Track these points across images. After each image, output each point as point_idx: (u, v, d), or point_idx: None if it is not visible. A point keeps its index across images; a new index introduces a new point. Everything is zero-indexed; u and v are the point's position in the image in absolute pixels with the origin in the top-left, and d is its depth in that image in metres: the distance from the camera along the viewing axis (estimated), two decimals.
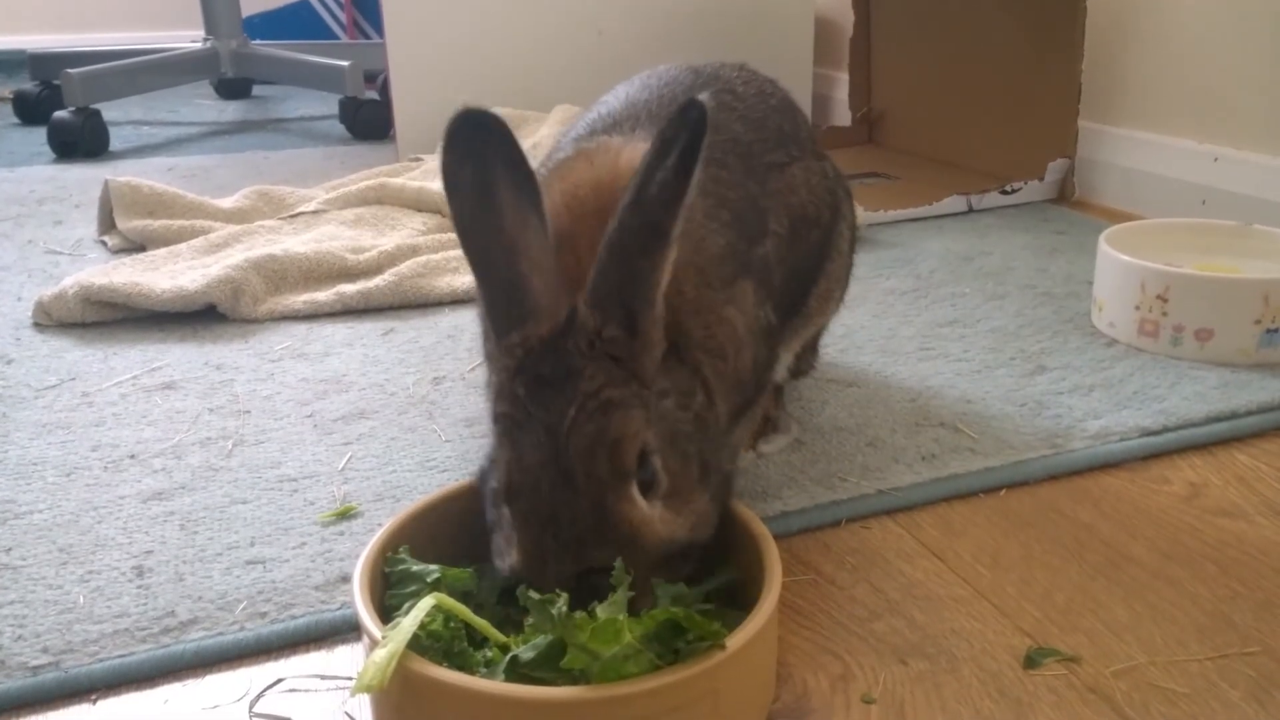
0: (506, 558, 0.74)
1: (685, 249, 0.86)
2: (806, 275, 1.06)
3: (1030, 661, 0.82)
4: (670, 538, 0.74)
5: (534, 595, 0.68)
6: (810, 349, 1.22)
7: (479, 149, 0.75)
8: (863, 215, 1.92)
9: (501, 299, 0.76)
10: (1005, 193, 2.16)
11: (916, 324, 1.53)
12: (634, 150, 0.92)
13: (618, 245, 0.73)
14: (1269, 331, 1.34)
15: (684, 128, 0.72)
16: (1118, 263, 1.43)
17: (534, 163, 0.80)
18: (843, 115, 2.82)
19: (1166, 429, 1.19)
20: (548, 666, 0.69)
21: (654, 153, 0.72)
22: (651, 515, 0.73)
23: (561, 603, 0.67)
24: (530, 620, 0.71)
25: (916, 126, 2.61)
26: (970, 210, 2.13)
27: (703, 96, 0.72)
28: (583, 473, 0.70)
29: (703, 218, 0.90)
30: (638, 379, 0.74)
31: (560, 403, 0.71)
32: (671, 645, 0.67)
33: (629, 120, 0.98)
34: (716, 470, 0.81)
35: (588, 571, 0.70)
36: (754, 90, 1.10)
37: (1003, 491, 1.08)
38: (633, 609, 0.69)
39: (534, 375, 0.73)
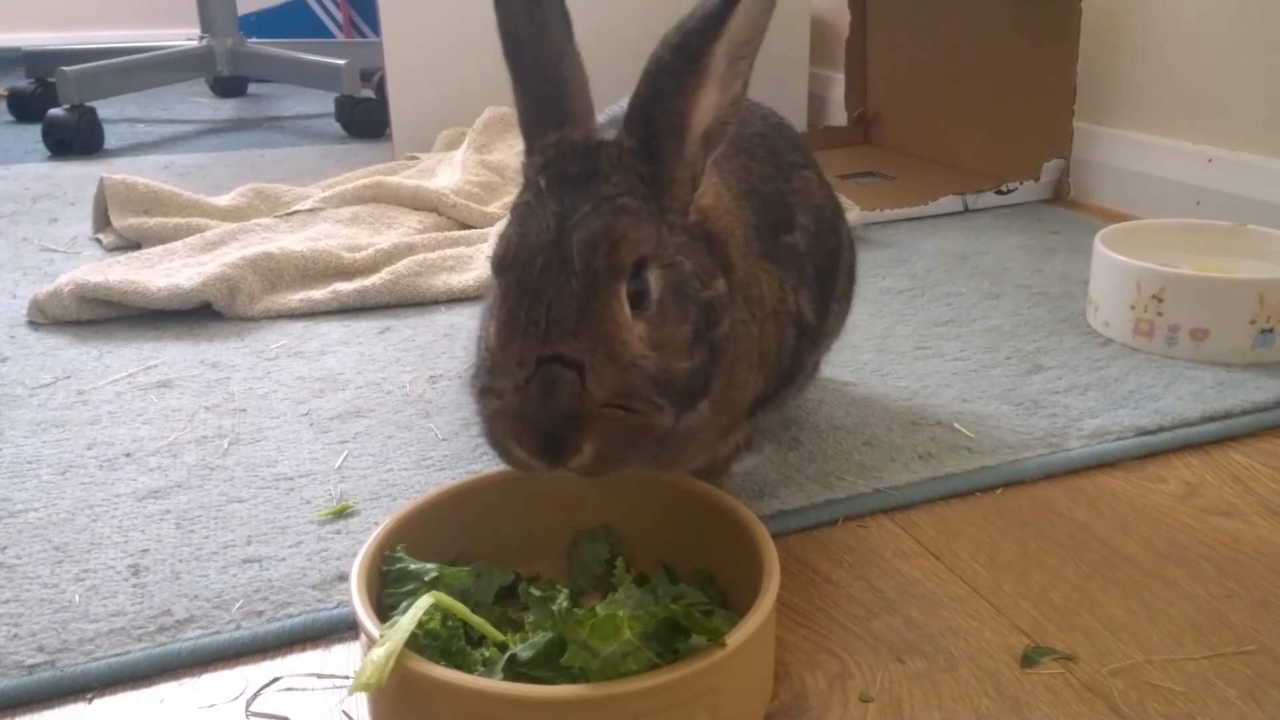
0: (484, 334, 0.75)
1: (732, 208, 0.89)
2: (828, 281, 1.05)
3: (1027, 660, 0.82)
4: (640, 356, 0.72)
5: (535, 592, 0.68)
6: (810, 376, 1.22)
7: None
8: (859, 215, 1.93)
9: (543, 99, 0.78)
10: (1001, 193, 2.16)
11: (913, 323, 1.53)
12: None
13: (653, 64, 0.75)
14: (1264, 331, 1.35)
15: None
16: (1113, 263, 1.44)
17: None
18: (839, 115, 2.83)
19: (1162, 428, 1.19)
20: (546, 665, 0.69)
21: None
22: (630, 323, 0.72)
23: (562, 598, 0.67)
24: (530, 616, 0.71)
25: (912, 126, 2.62)
26: (966, 210, 2.14)
27: None
28: (579, 259, 0.71)
29: (736, 200, 0.91)
30: (657, 205, 0.76)
31: (578, 198, 0.73)
32: (670, 643, 0.67)
33: None
34: (715, 365, 0.79)
35: (553, 359, 0.69)
36: (767, 107, 1.13)
37: (999, 490, 1.09)
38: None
39: (559, 171, 0.75)
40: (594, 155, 0.75)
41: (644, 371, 0.72)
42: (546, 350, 0.69)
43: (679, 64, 0.74)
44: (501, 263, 0.73)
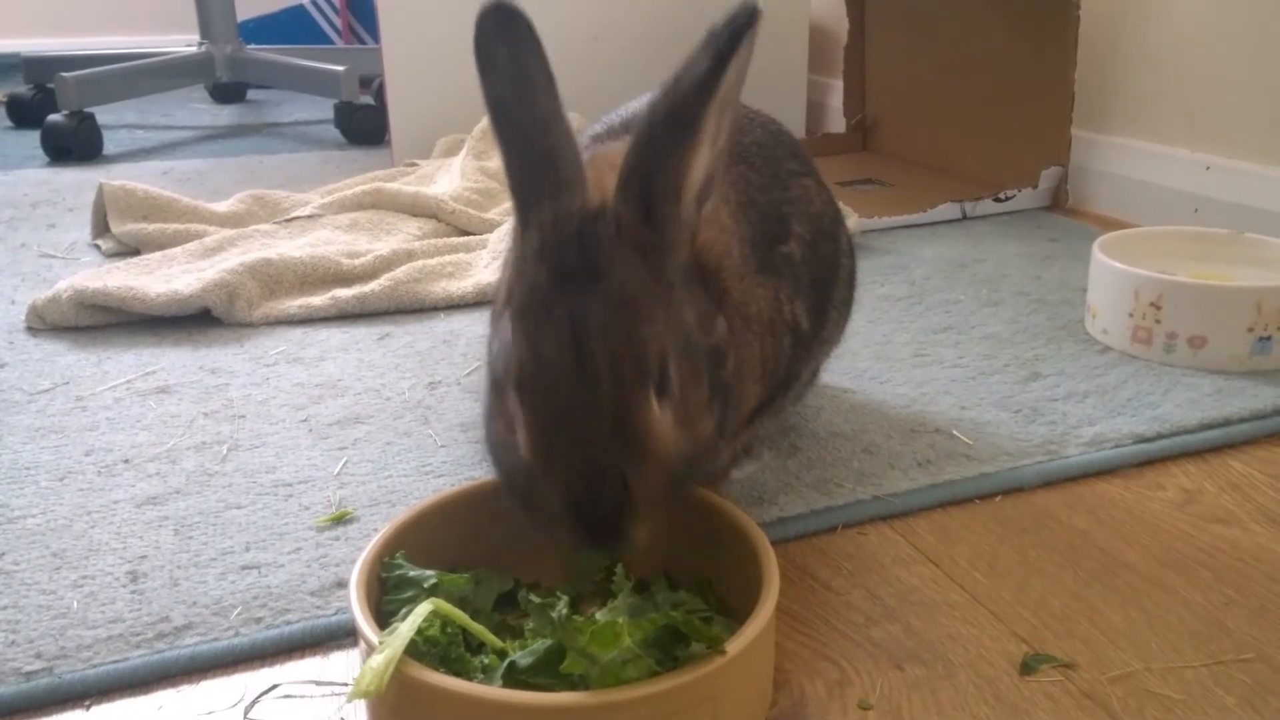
0: (508, 449, 0.73)
1: (728, 225, 0.87)
2: (825, 290, 1.05)
3: (1026, 668, 0.82)
4: (677, 451, 0.72)
5: (534, 599, 0.68)
6: (808, 383, 1.22)
7: (512, 33, 0.77)
8: (857, 222, 1.93)
9: (532, 169, 0.76)
10: (999, 200, 2.17)
11: (911, 330, 1.54)
12: None
13: (646, 132, 0.73)
14: (1261, 339, 1.35)
15: (729, 25, 0.72)
16: (1111, 270, 1.44)
17: None
18: (837, 122, 2.83)
19: (1160, 436, 1.19)
20: (546, 672, 0.69)
21: (698, 47, 0.73)
22: (665, 422, 0.72)
23: (562, 605, 0.67)
24: (530, 623, 0.71)
25: (911, 134, 2.62)
26: (964, 217, 2.14)
27: (758, 2, 0.73)
28: (606, 371, 0.69)
29: (734, 210, 0.91)
30: (661, 278, 0.73)
31: (585, 295, 0.70)
32: (670, 651, 0.67)
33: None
34: (728, 406, 0.79)
35: (594, 471, 0.69)
36: (766, 115, 1.13)
37: (998, 497, 1.09)
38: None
39: (557, 261, 0.72)
40: (590, 239, 0.72)
41: (681, 460, 0.73)
42: (588, 466, 0.69)
43: (674, 134, 0.72)
44: (521, 382, 0.71)
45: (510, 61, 0.76)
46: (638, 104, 1.07)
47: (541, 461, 0.70)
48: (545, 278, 0.72)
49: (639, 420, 0.70)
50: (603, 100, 1.29)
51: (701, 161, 0.74)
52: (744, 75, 0.74)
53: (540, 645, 0.70)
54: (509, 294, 0.77)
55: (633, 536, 0.70)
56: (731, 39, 0.71)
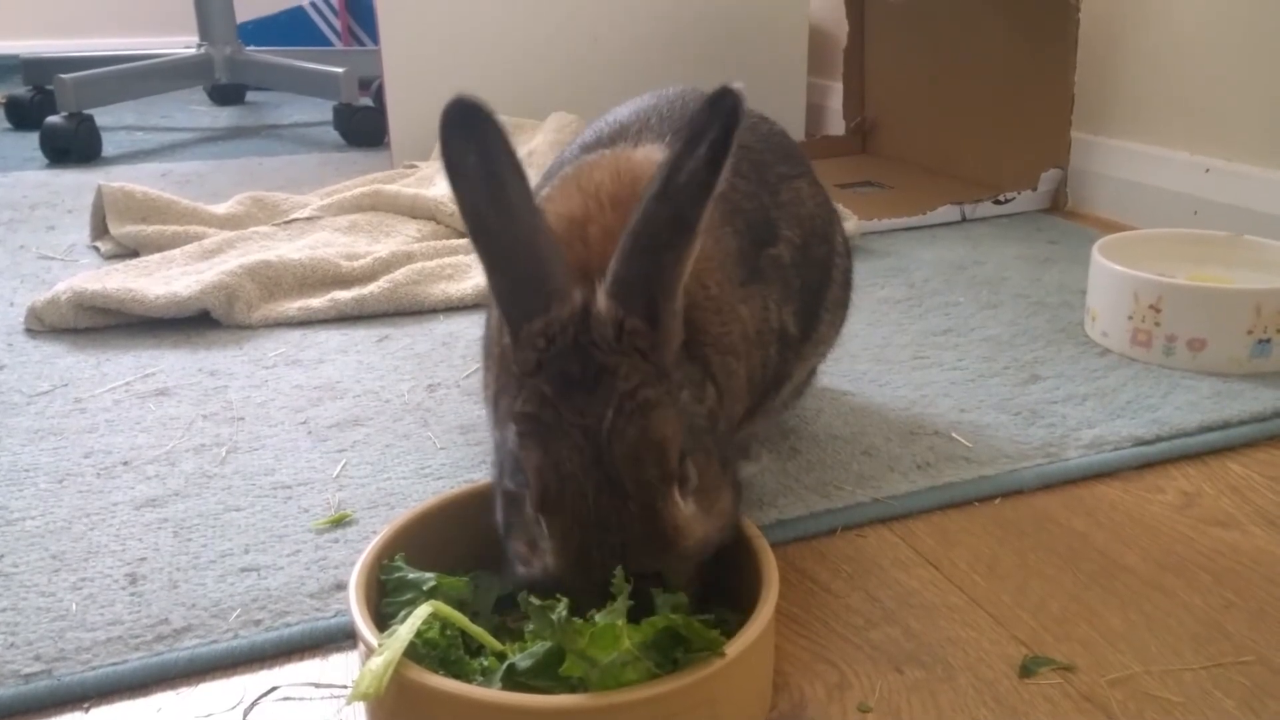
0: (535, 564, 0.73)
1: (708, 244, 0.85)
2: (816, 292, 1.05)
3: (1026, 670, 0.82)
4: (706, 538, 0.73)
5: (534, 601, 0.68)
6: (805, 384, 1.22)
7: (480, 136, 0.74)
8: (857, 224, 1.93)
9: (520, 286, 0.74)
10: (998, 202, 2.17)
11: (910, 332, 1.54)
12: (648, 149, 0.93)
13: (643, 235, 0.72)
14: (1261, 342, 1.35)
15: (716, 116, 0.70)
16: (1111, 273, 1.44)
17: (530, 171, 0.80)
18: (836, 124, 2.83)
19: (1160, 438, 1.19)
20: (545, 675, 0.69)
21: (684, 141, 0.71)
22: (692, 516, 0.72)
23: (561, 608, 0.67)
24: (530, 627, 0.71)
25: (910, 136, 2.62)
26: (964, 220, 2.14)
27: (735, 85, 0.71)
28: (630, 478, 0.69)
29: (718, 222, 0.90)
30: (664, 374, 0.73)
31: (595, 404, 0.69)
32: (670, 653, 0.67)
33: (637, 126, 0.99)
34: (731, 466, 0.80)
35: (634, 578, 0.69)
36: (757, 115, 1.11)
37: (997, 500, 1.09)
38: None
39: (560, 373, 0.71)
40: (588, 346, 0.71)
41: (709, 546, 0.74)
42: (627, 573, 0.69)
43: (676, 238, 0.71)
44: (544, 502, 0.70)
45: (480, 168, 0.74)
46: (628, 110, 1.06)
47: (581, 577, 0.70)
48: (550, 390, 0.71)
49: (669, 522, 0.70)
50: (601, 101, 1.29)
51: (694, 253, 0.73)
52: None
53: (540, 647, 0.70)
54: (497, 393, 0.76)
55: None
56: (725, 135, 0.70)
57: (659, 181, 0.71)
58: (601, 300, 0.72)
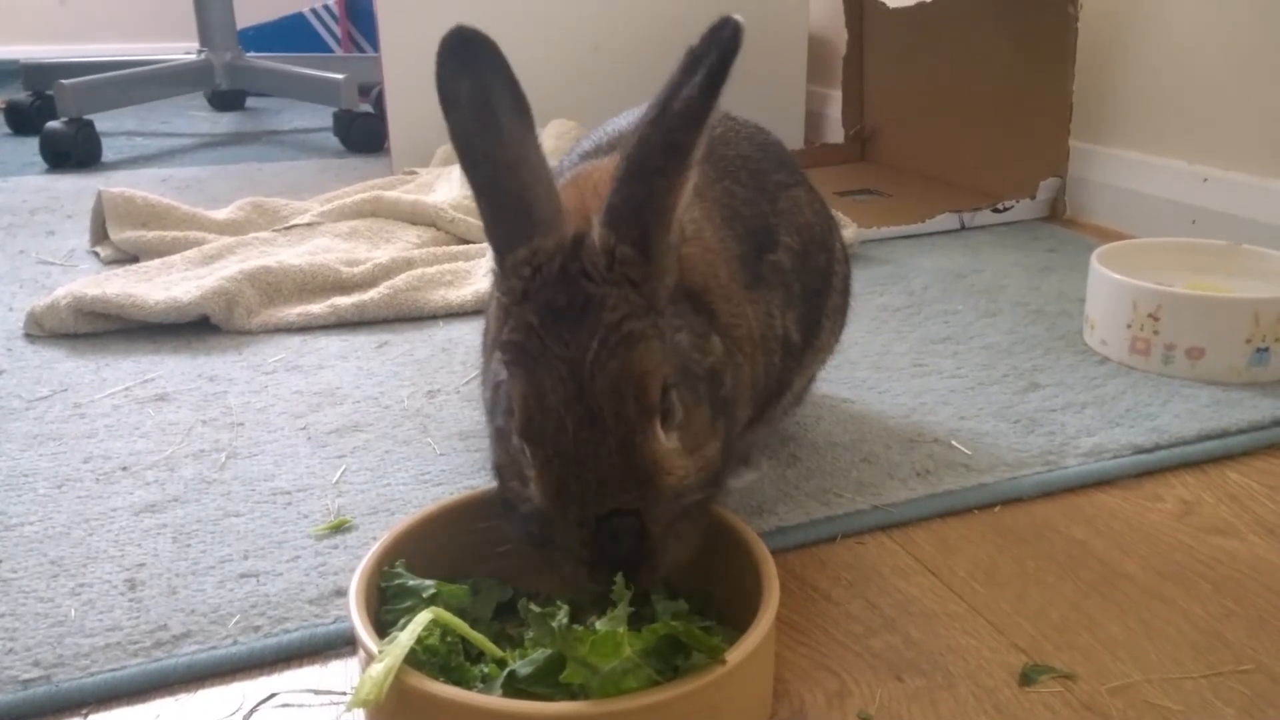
0: (523, 496, 0.73)
1: (714, 243, 0.86)
2: (816, 299, 1.05)
3: (1026, 679, 0.82)
4: (686, 477, 0.72)
5: (534, 609, 0.68)
6: (804, 391, 1.22)
7: (474, 63, 0.74)
8: (856, 232, 1.93)
9: (507, 212, 0.74)
10: (997, 211, 2.17)
11: (910, 340, 1.54)
12: None
13: (636, 161, 0.72)
14: (1259, 350, 1.35)
15: (714, 44, 0.70)
16: (1110, 281, 1.44)
17: None
18: (835, 132, 2.84)
19: (1159, 446, 1.19)
20: (545, 682, 0.69)
21: (681, 68, 0.71)
22: (669, 451, 0.71)
23: (562, 615, 0.67)
24: (530, 633, 0.71)
25: (909, 144, 2.63)
26: (962, 228, 2.14)
27: (736, 15, 0.71)
28: (610, 412, 0.68)
29: (720, 225, 0.90)
30: (653, 307, 0.72)
31: (581, 335, 0.69)
32: (671, 661, 0.67)
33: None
34: (729, 421, 0.79)
35: (610, 514, 0.69)
36: (753, 125, 1.12)
37: (997, 508, 1.09)
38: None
39: (546, 302, 0.71)
40: (577, 276, 0.71)
41: (692, 489, 0.73)
42: (602, 509, 0.69)
43: (668, 163, 0.71)
44: (528, 430, 0.70)
45: (473, 96, 0.74)
46: (627, 120, 1.06)
47: (557, 508, 0.70)
48: (536, 320, 0.71)
49: (648, 456, 0.70)
50: (602, 109, 1.29)
51: (690, 185, 0.73)
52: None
53: (540, 654, 0.70)
54: (495, 337, 0.75)
55: (653, 568, 0.71)
56: (721, 63, 0.70)
57: (655, 108, 0.71)
58: (596, 227, 0.72)
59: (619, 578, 0.80)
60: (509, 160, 0.74)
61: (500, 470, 0.77)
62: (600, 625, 0.67)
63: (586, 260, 0.72)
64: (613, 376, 0.69)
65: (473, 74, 0.74)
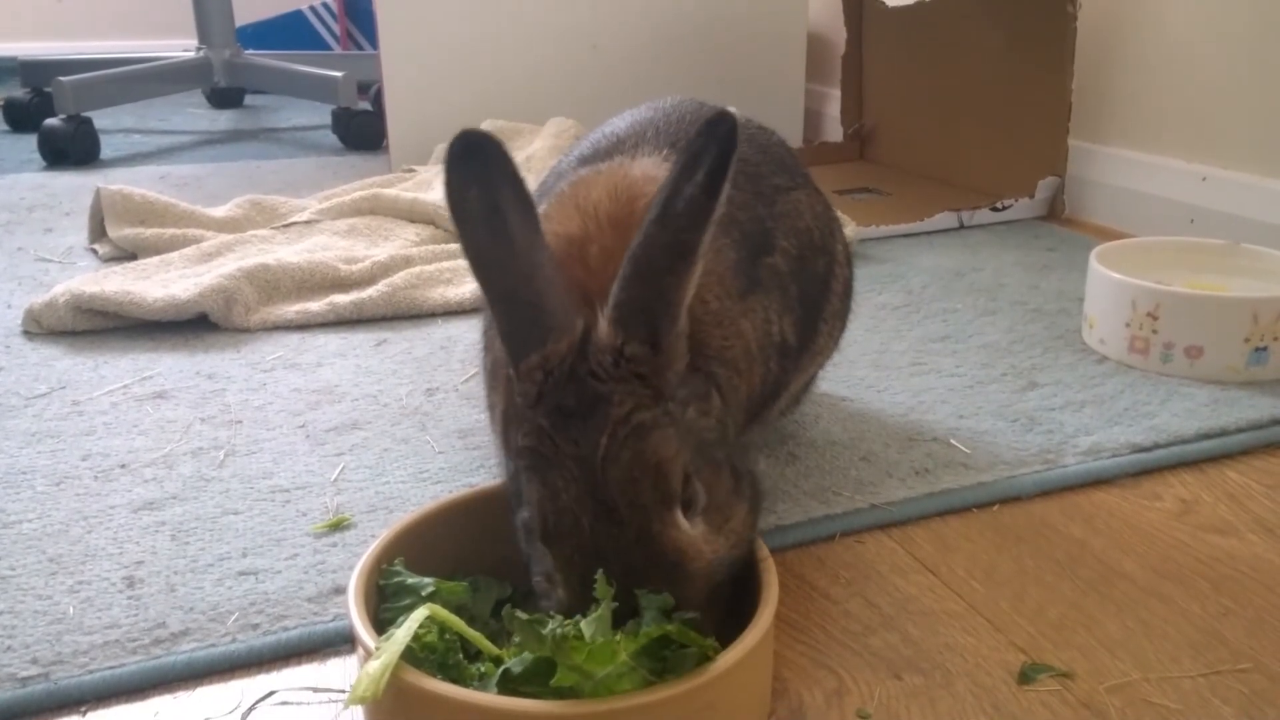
0: (551, 598, 0.72)
1: (706, 259, 0.86)
2: (814, 304, 1.05)
3: (1024, 677, 0.82)
4: (715, 558, 0.72)
5: (520, 615, 0.68)
6: (803, 391, 1.22)
7: (482, 171, 0.73)
8: (855, 231, 1.93)
9: (522, 321, 0.74)
10: (996, 210, 2.17)
11: (908, 339, 1.54)
12: (645, 164, 0.92)
13: (644, 262, 0.71)
14: (1258, 349, 1.35)
15: (713, 140, 0.70)
16: (1108, 280, 1.44)
17: (528, 176, 0.80)
18: (834, 131, 2.84)
19: (1157, 445, 1.20)
20: (538, 681, 0.69)
21: (681, 166, 0.71)
22: (697, 537, 0.71)
23: (554, 624, 0.67)
24: (517, 639, 0.70)
25: (908, 143, 2.63)
26: (961, 226, 2.15)
27: (730, 109, 0.71)
28: (625, 503, 0.68)
29: (715, 234, 0.90)
30: (663, 396, 0.72)
31: (590, 432, 0.69)
32: (659, 656, 0.67)
33: (633, 139, 0.98)
34: (747, 475, 0.79)
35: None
36: (755, 125, 1.11)
37: (996, 506, 1.09)
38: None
39: (556, 405, 0.71)
40: (585, 375, 0.71)
41: (720, 566, 0.72)
42: (632, 602, 0.68)
43: (676, 261, 0.71)
44: (545, 534, 0.70)
45: (482, 202, 0.73)
46: (625, 122, 1.05)
47: (583, 606, 0.69)
48: (547, 423, 0.71)
49: (669, 546, 0.69)
50: (600, 108, 1.29)
51: (696, 278, 0.73)
52: None
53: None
54: (514, 432, 0.75)
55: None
56: (722, 159, 0.70)
57: (657, 207, 0.71)
58: (603, 326, 0.72)
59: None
60: (522, 270, 0.74)
61: (529, 561, 0.77)
62: (586, 625, 0.66)
63: (594, 360, 0.71)
64: (625, 467, 0.68)
65: (481, 182, 0.73)
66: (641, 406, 0.70)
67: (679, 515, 0.70)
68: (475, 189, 0.73)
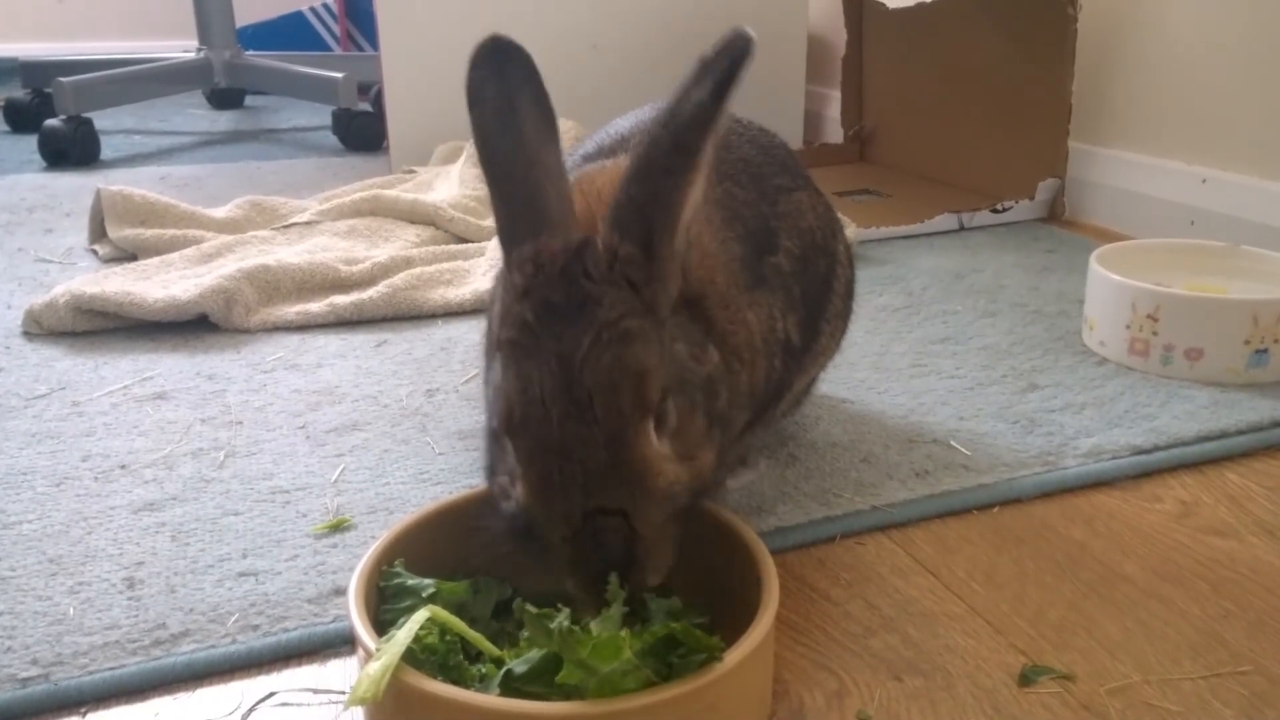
0: (510, 497, 0.72)
1: (713, 247, 0.86)
2: (817, 304, 1.05)
3: (1025, 679, 0.82)
4: (677, 482, 0.71)
5: (530, 609, 0.68)
6: (805, 393, 1.22)
7: (504, 69, 0.76)
8: (855, 232, 1.93)
9: (517, 207, 0.74)
10: (996, 211, 2.17)
11: (909, 341, 1.54)
12: None
13: (643, 161, 0.72)
14: (1258, 352, 1.35)
15: (725, 53, 0.71)
16: (1108, 282, 1.44)
17: None
18: (834, 133, 2.84)
19: (1158, 447, 1.20)
20: (541, 681, 0.69)
21: (693, 75, 0.72)
22: (661, 455, 0.70)
23: (562, 617, 0.67)
24: (525, 633, 0.70)
25: (908, 144, 2.63)
26: (961, 228, 2.15)
27: (747, 29, 0.72)
28: (600, 405, 0.67)
29: (720, 227, 0.90)
30: (654, 311, 0.72)
31: (575, 330, 0.69)
32: (666, 659, 0.67)
33: (637, 137, 0.99)
34: (725, 432, 0.78)
35: (595, 512, 0.68)
36: (757, 127, 1.12)
37: (996, 508, 1.09)
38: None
39: (544, 299, 0.70)
40: (578, 275, 0.71)
41: (682, 493, 0.72)
42: (589, 505, 0.68)
43: (674, 164, 0.71)
44: (511, 424, 0.70)
45: (498, 97, 0.75)
46: (629, 121, 1.06)
47: (540, 504, 0.69)
48: (532, 316, 0.70)
49: (638, 456, 0.68)
50: (601, 109, 1.29)
51: (696, 193, 0.73)
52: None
53: (536, 653, 0.70)
54: (495, 337, 0.75)
55: (641, 574, 0.70)
56: (731, 69, 0.71)
57: (664, 111, 0.72)
58: (601, 230, 0.72)
59: (613, 578, 0.80)
60: (526, 159, 0.75)
61: (491, 470, 0.77)
62: (595, 626, 0.67)
63: (589, 260, 0.71)
64: (605, 369, 0.68)
65: (501, 79, 0.76)
66: (631, 314, 0.70)
67: (651, 428, 0.70)
68: (494, 85, 0.76)
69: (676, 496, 0.71)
